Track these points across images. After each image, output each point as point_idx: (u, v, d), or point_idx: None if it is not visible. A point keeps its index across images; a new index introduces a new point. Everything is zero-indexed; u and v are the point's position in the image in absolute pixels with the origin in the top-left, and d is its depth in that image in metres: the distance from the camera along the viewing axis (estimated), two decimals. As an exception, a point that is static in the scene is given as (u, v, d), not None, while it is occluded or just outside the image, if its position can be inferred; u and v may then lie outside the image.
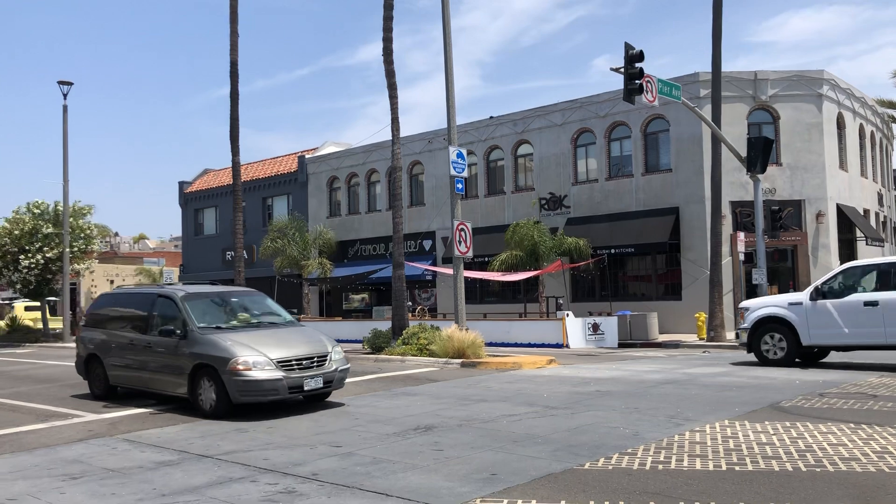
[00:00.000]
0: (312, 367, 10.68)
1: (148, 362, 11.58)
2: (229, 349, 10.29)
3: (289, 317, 12.62)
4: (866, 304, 14.31)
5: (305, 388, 10.51)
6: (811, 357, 15.66)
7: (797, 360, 15.26)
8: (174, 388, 11.13)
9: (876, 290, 14.47)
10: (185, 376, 10.73)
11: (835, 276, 15.16)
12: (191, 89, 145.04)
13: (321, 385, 10.70)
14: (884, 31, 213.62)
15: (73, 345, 31.88)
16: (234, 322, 11.66)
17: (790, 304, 15.36)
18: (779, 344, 15.34)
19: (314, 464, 7.35)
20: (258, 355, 10.25)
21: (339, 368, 11.06)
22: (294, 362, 10.49)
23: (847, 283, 14.92)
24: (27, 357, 24.41)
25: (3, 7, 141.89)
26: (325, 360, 10.89)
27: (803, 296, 15.28)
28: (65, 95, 33.14)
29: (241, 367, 10.09)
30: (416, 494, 6.14)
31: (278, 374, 10.21)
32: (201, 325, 10.98)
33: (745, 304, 16.46)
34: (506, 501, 5.85)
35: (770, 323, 15.47)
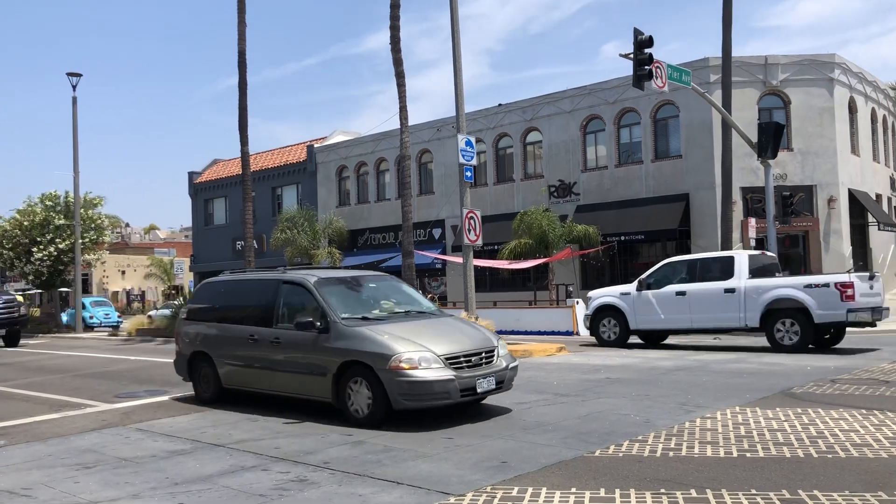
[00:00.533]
0: (482, 364, 8.88)
1: (276, 360, 9.75)
2: (388, 344, 8.53)
3: (432, 305, 10.94)
4: (677, 293, 16.55)
5: (478, 391, 8.67)
6: (652, 340, 18.05)
7: (627, 341, 17.66)
8: (312, 391, 9.32)
9: (685, 282, 16.69)
10: (328, 377, 8.93)
11: (656, 270, 17.43)
12: (200, 79, 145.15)
13: (493, 386, 8.87)
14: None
15: (85, 335, 32.17)
16: (380, 311, 9.87)
17: (621, 294, 17.67)
18: (613, 328, 17.72)
19: (325, 452, 7.38)
20: (423, 350, 8.50)
21: (510, 366, 9.26)
22: (463, 359, 8.71)
23: (665, 276, 17.07)
24: (40, 347, 24.62)
25: (12, 0, 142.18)
26: (493, 355, 9.14)
27: (632, 287, 17.45)
28: (74, 87, 33.24)
29: (404, 365, 8.32)
30: (427, 482, 6.15)
31: (449, 373, 8.43)
32: (344, 315, 9.22)
33: (590, 293, 18.99)
34: (516, 489, 5.85)
35: (607, 310, 17.81)
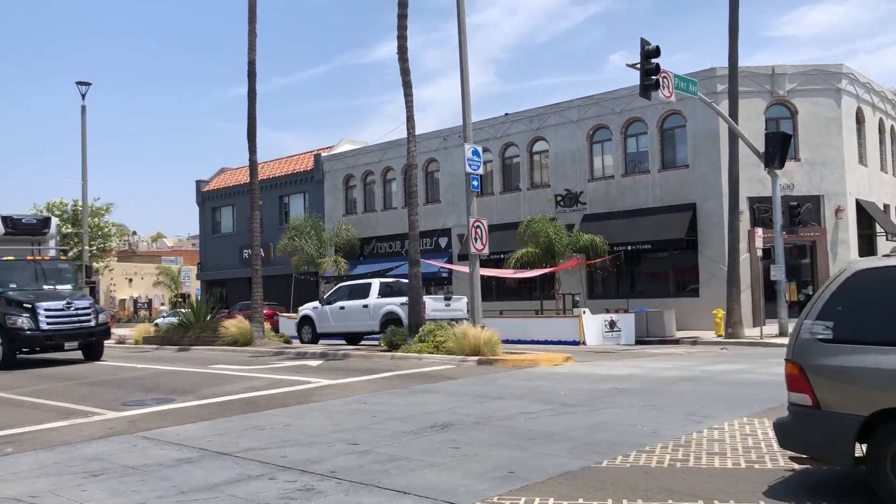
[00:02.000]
0: None
1: None
2: None
3: None
4: (340, 307, 23.85)
5: None
6: (330, 337, 24.86)
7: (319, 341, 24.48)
8: None
9: (345, 299, 23.89)
10: None
11: (332, 292, 25.07)
12: (208, 88, 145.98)
13: None
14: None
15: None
16: None
17: (314, 308, 25.02)
18: (308, 332, 24.83)
19: (332, 461, 7.37)
20: None
21: None
22: None
23: (336, 296, 24.45)
24: (44, 355, 24.62)
25: (21, 8, 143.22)
26: None
27: (318, 304, 25.12)
28: (83, 96, 33.42)
29: None
30: (434, 492, 6.14)
31: None
32: None
33: (300, 308, 26.02)
34: (523, 499, 5.84)
35: (305, 319, 25.13)
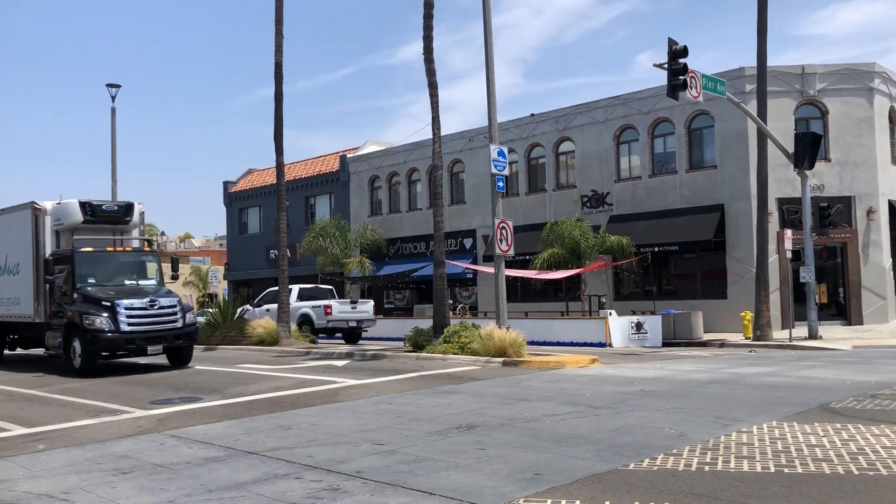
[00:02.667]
0: None
1: None
2: None
3: None
4: (266, 310, 27.03)
5: None
6: None
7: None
8: None
9: (271, 302, 26.84)
10: None
11: (261, 297, 29.07)
12: (235, 90, 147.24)
13: None
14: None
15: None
16: None
17: (248, 309, 28.28)
18: None
19: (358, 461, 7.39)
20: None
21: None
22: None
23: (264, 299, 28.58)
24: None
25: (54, 12, 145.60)
26: None
27: (250, 306, 28.88)
28: (113, 98, 33.89)
29: None
30: (460, 493, 6.13)
31: None
32: None
33: (239, 309, 28.44)
34: (549, 501, 5.81)
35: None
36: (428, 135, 21.95)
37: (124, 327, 16.49)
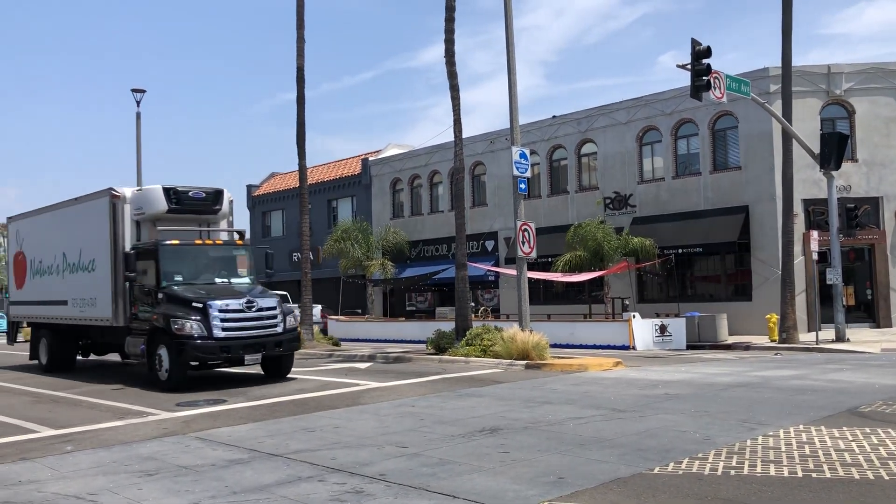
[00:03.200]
0: None
1: None
2: None
3: None
4: None
5: None
6: None
7: None
8: None
9: None
10: None
11: None
12: (259, 94, 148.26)
13: None
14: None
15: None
16: None
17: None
18: None
19: (381, 464, 7.40)
20: None
21: None
22: None
23: None
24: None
25: (80, 18, 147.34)
26: None
27: None
28: (138, 103, 34.23)
29: None
30: (483, 497, 6.12)
31: None
32: None
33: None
34: (574, 505, 5.78)
35: None
36: (449, 137, 21.97)
37: (218, 332, 13.95)
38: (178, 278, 15.14)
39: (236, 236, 17.17)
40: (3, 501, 6.52)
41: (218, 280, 15.71)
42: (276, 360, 15.27)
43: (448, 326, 21.66)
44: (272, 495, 6.40)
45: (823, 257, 23.59)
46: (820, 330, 22.58)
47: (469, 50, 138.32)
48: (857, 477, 6.38)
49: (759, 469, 6.75)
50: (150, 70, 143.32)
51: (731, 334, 25.06)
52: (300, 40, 25.69)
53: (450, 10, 21.32)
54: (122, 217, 16.25)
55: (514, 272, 21.80)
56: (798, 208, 25.37)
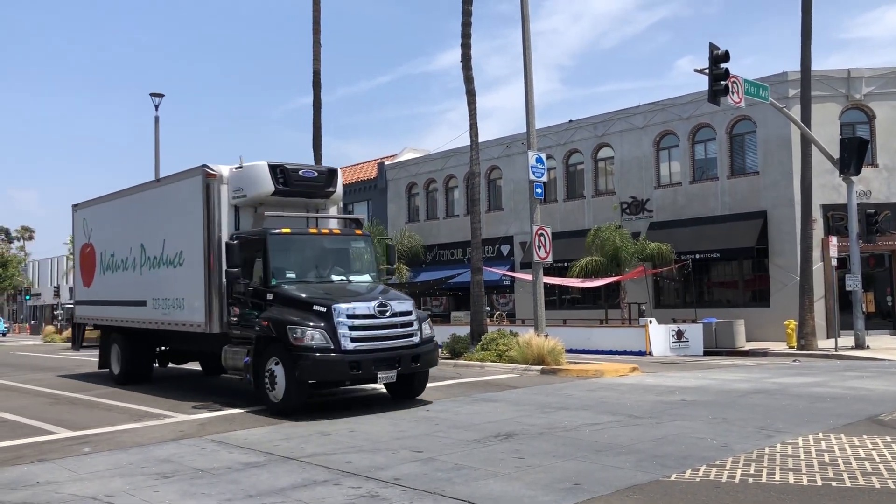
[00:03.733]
0: None
1: None
2: None
3: None
4: None
5: None
6: None
7: None
8: None
9: None
10: None
11: None
12: (275, 98, 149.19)
13: None
14: None
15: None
16: None
17: None
18: None
19: (396, 468, 7.39)
20: None
21: None
22: None
23: None
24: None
25: (99, 24, 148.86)
26: None
27: None
28: (156, 107, 34.51)
29: None
30: (499, 502, 6.09)
31: None
32: None
33: None
34: (590, 512, 5.74)
35: None
36: (465, 141, 21.98)
37: (346, 344, 11.02)
38: (291, 275, 12.28)
39: (354, 225, 14.39)
40: (22, 502, 6.57)
41: (334, 278, 12.81)
42: (408, 377, 12.10)
43: (463, 331, 21.63)
44: (287, 499, 6.41)
45: (843, 263, 23.35)
46: (839, 336, 22.34)
47: (485, 54, 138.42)
48: (877, 486, 6.30)
49: (777, 477, 6.68)
50: (168, 74, 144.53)
51: (748, 341, 24.85)
52: (316, 44, 25.78)
53: (466, 14, 21.35)
54: (217, 200, 13.21)
55: (529, 277, 21.74)
56: (817, 214, 25.15)
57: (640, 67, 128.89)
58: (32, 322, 71.38)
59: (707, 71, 19.37)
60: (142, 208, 15.76)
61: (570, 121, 33.92)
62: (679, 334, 23.27)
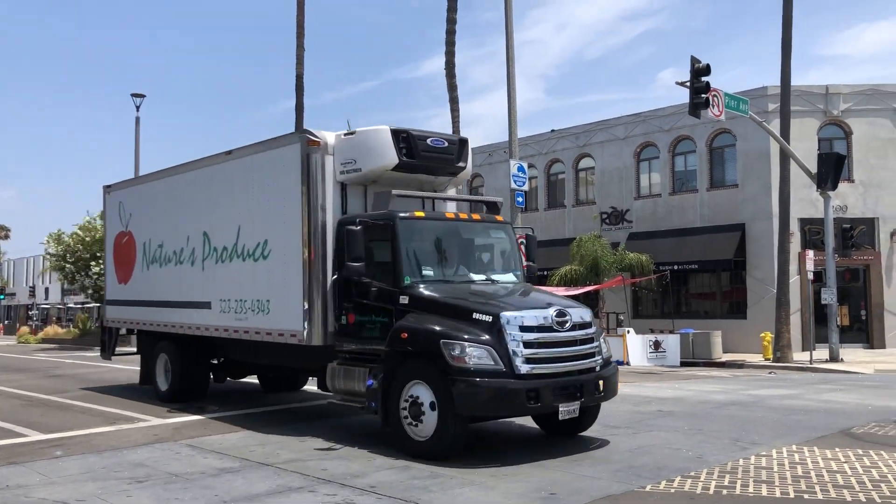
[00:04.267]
0: None
1: None
2: None
3: None
4: None
5: None
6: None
7: None
8: None
9: None
10: None
11: None
12: (259, 102, 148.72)
13: None
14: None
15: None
16: None
17: None
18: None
19: (372, 476, 7.37)
20: None
21: None
22: None
23: None
24: (96, 361, 25.13)
25: (81, 23, 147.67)
26: None
27: None
28: (137, 108, 34.30)
29: None
30: (474, 511, 6.09)
31: None
32: None
33: None
34: (565, 522, 5.75)
35: None
36: (448, 149, 21.92)
37: (520, 366, 8.18)
38: (427, 272, 9.61)
39: (490, 210, 11.21)
40: (-9, 506, 6.48)
41: (474, 276, 9.99)
42: (582, 410, 8.76)
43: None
44: (262, 505, 6.37)
45: (819, 277, 23.61)
46: (814, 349, 22.57)
47: (470, 62, 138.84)
48: (848, 499, 6.37)
49: (751, 489, 6.74)
50: (151, 75, 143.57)
51: (725, 352, 25.02)
52: (300, 48, 25.79)
53: (450, 22, 21.46)
54: (321, 175, 10.32)
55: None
56: (794, 227, 25.42)
57: (623, 79, 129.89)
58: (6, 322, 70.49)
59: (688, 84, 19.56)
60: (205, 188, 12.67)
61: (553, 130, 34.10)
62: (656, 344, 23.40)
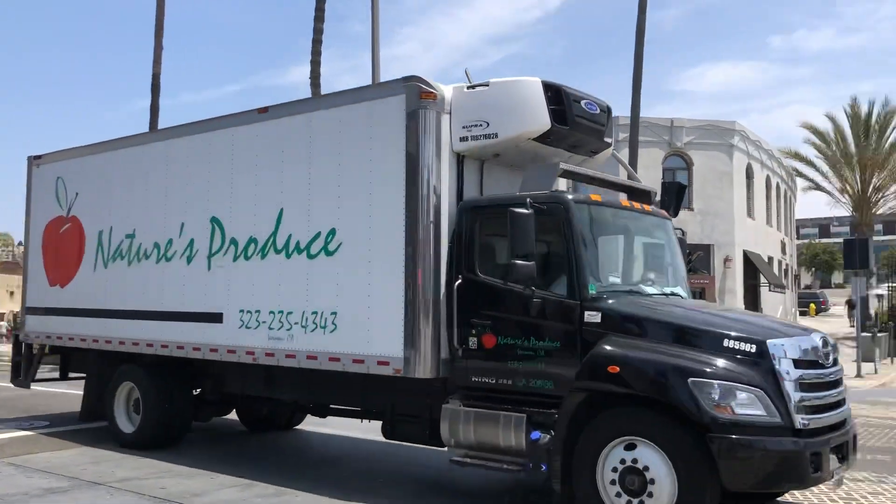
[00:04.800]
0: None
1: None
2: None
3: None
4: None
5: None
6: None
7: None
8: None
9: None
10: None
11: None
12: (113, 99, 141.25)
13: None
14: (793, 89, 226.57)
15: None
16: None
17: None
18: None
19: (214, 494, 7.09)
20: None
21: None
22: None
23: None
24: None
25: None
26: None
27: None
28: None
29: None
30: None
31: None
32: None
33: None
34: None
35: None
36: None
37: (798, 417, 5.69)
38: (615, 280, 7.30)
39: (647, 200, 8.92)
40: None
41: (646, 289, 7.41)
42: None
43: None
44: (90, 528, 5.98)
45: (660, 298, 25.04)
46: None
47: (337, 72, 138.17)
48: None
49: None
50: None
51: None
52: (158, 47, 24.70)
53: (317, 32, 21.23)
54: (435, 141, 7.31)
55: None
56: (639, 251, 26.88)
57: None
58: None
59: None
60: (217, 159, 9.18)
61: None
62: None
